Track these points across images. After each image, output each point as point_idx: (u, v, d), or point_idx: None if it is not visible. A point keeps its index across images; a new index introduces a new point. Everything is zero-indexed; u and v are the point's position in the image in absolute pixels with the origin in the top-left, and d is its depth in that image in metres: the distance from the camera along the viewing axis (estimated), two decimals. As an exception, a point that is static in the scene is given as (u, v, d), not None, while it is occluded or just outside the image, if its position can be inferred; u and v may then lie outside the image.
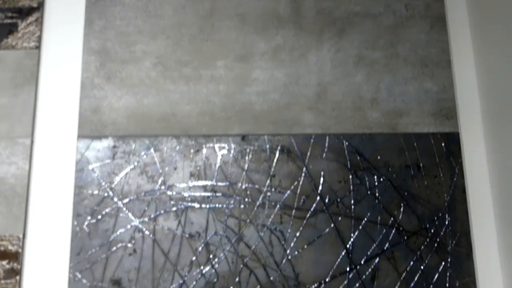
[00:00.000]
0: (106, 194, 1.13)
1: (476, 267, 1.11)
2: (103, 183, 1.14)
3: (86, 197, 1.13)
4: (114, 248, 1.11)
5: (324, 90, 1.19)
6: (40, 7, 1.21)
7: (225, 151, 1.16)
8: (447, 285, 1.11)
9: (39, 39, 1.20)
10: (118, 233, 1.12)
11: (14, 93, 1.16)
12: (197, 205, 1.13)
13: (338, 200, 1.14)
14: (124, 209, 1.13)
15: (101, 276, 1.10)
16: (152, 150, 1.15)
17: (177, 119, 1.17)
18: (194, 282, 1.10)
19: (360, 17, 1.24)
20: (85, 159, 1.15)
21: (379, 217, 1.13)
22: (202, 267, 1.11)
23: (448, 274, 1.12)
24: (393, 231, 1.13)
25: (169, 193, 1.14)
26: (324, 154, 1.16)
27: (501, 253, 1.10)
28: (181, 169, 1.14)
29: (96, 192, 1.13)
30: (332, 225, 1.13)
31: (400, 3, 1.25)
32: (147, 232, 1.12)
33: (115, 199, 1.13)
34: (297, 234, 1.13)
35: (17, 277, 1.08)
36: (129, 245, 1.12)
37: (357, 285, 1.11)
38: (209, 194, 1.14)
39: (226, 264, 1.11)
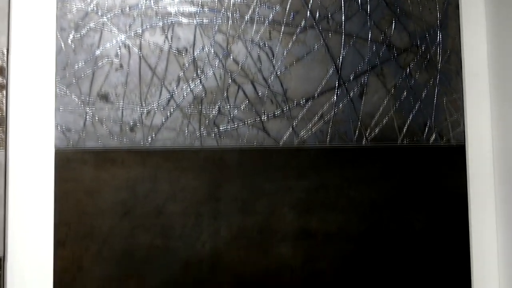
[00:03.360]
0: (90, 8, 1.10)
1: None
2: (86, -4, 1.10)
3: (69, 11, 1.09)
4: (100, 63, 1.10)
5: None
6: None
7: (212, -36, 1.11)
8: (435, 101, 1.12)
9: None
10: (103, 48, 1.10)
11: None
12: (184, 20, 1.10)
13: (329, 16, 1.11)
14: (109, 24, 1.10)
15: (88, 90, 1.09)
16: (136, -38, 1.10)
17: None
18: (182, 97, 1.10)
19: None
20: (66, -29, 1.10)
21: (370, 34, 1.11)
22: (190, 82, 1.10)
23: (436, 90, 1.12)
24: (384, 48, 1.11)
25: (155, 7, 1.10)
26: (315, -32, 1.11)
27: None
28: (167, -17, 1.10)
29: (79, 5, 1.10)
30: (322, 41, 1.11)
31: None
32: (133, 47, 1.10)
33: (100, 13, 1.10)
34: (286, 50, 1.11)
35: (4, 92, 1.07)
36: (116, 60, 1.10)
37: (345, 101, 1.11)
38: (196, 8, 1.10)
39: (214, 79, 1.10)
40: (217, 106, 1.10)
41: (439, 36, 1.11)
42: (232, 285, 1.08)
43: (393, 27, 1.11)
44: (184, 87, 1.10)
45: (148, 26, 1.10)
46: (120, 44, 1.09)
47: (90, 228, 1.08)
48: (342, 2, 1.11)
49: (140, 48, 1.10)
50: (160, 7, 1.10)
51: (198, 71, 1.10)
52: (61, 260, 1.07)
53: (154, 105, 1.09)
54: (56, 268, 1.06)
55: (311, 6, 1.11)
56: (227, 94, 1.10)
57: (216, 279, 1.08)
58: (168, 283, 1.07)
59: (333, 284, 1.09)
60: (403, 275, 1.10)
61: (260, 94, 1.10)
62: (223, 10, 1.10)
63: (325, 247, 1.09)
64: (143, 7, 1.10)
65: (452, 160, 1.11)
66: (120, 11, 1.10)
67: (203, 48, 1.10)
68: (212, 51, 1.10)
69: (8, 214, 1.07)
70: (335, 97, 1.11)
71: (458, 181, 1.11)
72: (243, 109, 1.10)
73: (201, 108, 1.10)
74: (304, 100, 1.10)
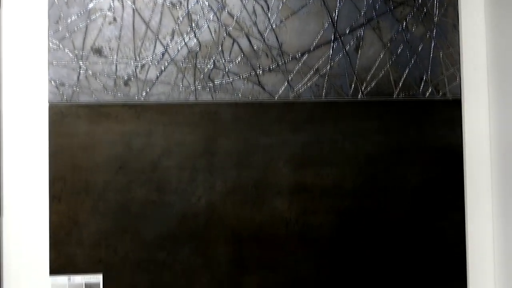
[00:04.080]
0: (82, -39, 1.08)
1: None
2: None
3: (61, -37, 1.08)
4: (94, 16, 1.08)
5: None
6: None
7: None
8: (431, 55, 1.11)
9: None
10: (96, 1, 1.08)
11: None
12: (177, -27, 1.09)
13: (325, -32, 1.10)
14: (102, -24, 1.08)
15: (81, 44, 1.08)
16: None
17: None
18: (176, 51, 1.09)
19: None
20: None
21: (366, -14, 1.10)
22: (184, 36, 1.09)
23: (432, 44, 1.11)
24: (380, 1, 1.10)
25: (148, -41, 1.09)
26: None
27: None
28: None
29: (71, -43, 1.08)
30: (318, -6, 1.09)
31: None
32: (126, 0, 1.08)
33: (92, -35, 1.08)
34: (281, 3, 1.10)
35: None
36: (109, 13, 1.08)
37: (341, 54, 1.10)
38: (190, -39, 1.09)
39: (209, 33, 1.09)
40: (212, 60, 1.09)
41: (436, -11, 1.10)
42: (227, 238, 1.08)
43: (389, -21, 1.10)
44: (179, 40, 1.09)
45: (141, -21, 1.08)
46: (113, -3, 1.08)
47: (85, 183, 1.07)
48: (338, -46, 1.10)
49: (133, 1, 1.08)
50: (153, -41, 1.08)
51: (193, 25, 1.09)
52: (56, 215, 1.07)
53: (148, 59, 1.08)
54: (51, 223, 1.07)
55: (306, -42, 1.09)
56: (222, 48, 1.09)
57: (212, 233, 1.08)
58: (164, 237, 1.08)
59: (328, 237, 1.09)
60: (397, 229, 1.10)
61: (255, 47, 1.09)
62: (218, -38, 1.09)
63: (320, 201, 1.09)
64: (136, -41, 1.08)
65: (448, 114, 1.11)
66: (113, -37, 1.08)
67: (197, 1, 1.09)
68: (207, 4, 1.09)
69: (3, 170, 1.06)
70: (331, 50, 1.10)
71: (454, 135, 1.11)
72: (238, 63, 1.09)
73: (195, 62, 1.09)
74: (299, 54, 1.09)
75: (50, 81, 1.07)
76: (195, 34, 1.09)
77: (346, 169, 1.10)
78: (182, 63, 1.09)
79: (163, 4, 1.09)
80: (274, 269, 1.08)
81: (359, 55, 1.10)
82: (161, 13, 1.09)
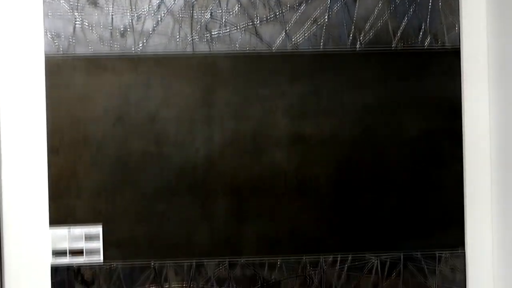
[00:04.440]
0: None
1: None
2: None
3: None
4: (88, -34, 1.07)
5: None
6: None
7: None
8: (430, 4, 1.10)
9: None
10: (91, -50, 1.07)
11: None
12: None
13: None
14: None
15: (77, -5, 1.07)
16: None
17: None
18: (173, 2, 1.08)
19: None
20: None
21: None
22: (180, -14, 1.08)
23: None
24: (379, -51, 1.09)
25: None
26: None
27: None
28: None
29: None
30: None
31: None
32: (121, -50, 1.07)
33: None
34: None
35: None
36: (104, -37, 1.07)
37: (339, 4, 1.09)
38: None
39: (205, -18, 1.08)
40: (208, 11, 1.08)
41: None
42: (225, 190, 1.09)
43: None
44: (175, -9, 1.07)
45: None
46: None
47: (83, 135, 1.07)
48: None
49: (128, -49, 1.07)
50: None
51: (189, -26, 1.07)
52: (55, 168, 1.07)
53: (145, 9, 1.07)
54: (50, 175, 1.07)
55: None
56: (219, -3, 1.08)
57: (210, 185, 1.09)
58: (162, 189, 1.08)
59: (326, 188, 1.10)
60: (395, 179, 1.10)
61: (252, -7, 1.08)
62: None
63: (319, 152, 1.09)
64: None
65: (446, 63, 1.10)
66: None
67: (193, -50, 1.07)
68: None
69: (0, 123, 1.06)
70: (329, 0, 1.09)
71: (452, 85, 1.10)
72: (236, 13, 1.08)
73: (192, 12, 1.08)
74: (297, 4, 1.08)
75: (45, 33, 1.06)
76: (191, -16, 1.07)
77: (344, 120, 1.10)
78: (179, 14, 1.08)
79: (158, -46, 1.07)
80: (273, 220, 1.09)
81: (357, 4, 1.09)
82: (157, -37, 1.07)
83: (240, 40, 1.08)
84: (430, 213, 1.11)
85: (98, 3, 1.07)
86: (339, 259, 1.10)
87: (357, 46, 1.09)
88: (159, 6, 1.07)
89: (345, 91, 1.09)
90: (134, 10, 1.07)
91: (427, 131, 1.10)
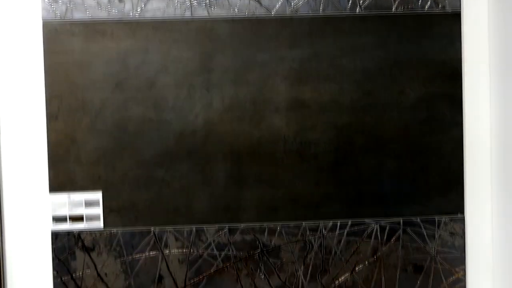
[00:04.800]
0: None
1: None
2: None
3: None
4: None
5: None
6: None
7: None
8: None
9: None
10: None
11: None
12: None
13: None
14: None
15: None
16: None
17: None
18: (171, -34, 1.07)
19: None
20: None
21: None
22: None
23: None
24: None
25: None
26: None
27: None
28: None
29: None
30: None
31: None
32: None
33: None
34: None
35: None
36: None
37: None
38: None
39: None
40: (207, -26, 1.07)
41: None
42: (225, 155, 1.09)
43: None
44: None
45: None
46: None
47: (82, 101, 1.07)
48: None
49: None
50: None
51: None
52: (54, 133, 1.07)
53: (142, -27, 1.06)
54: (50, 141, 1.07)
55: None
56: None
57: (210, 150, 1.08)
58: (161, 154, 1.08)
59: (326, 153, 1.09)
60: (395, 144, 1.10)
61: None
62: None
63: (318, 117, 1.09)
64: None
65: (447, 27, 1.09)
66: None
67: None
68: None
69: (-1, 89, 1.06)
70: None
71: (453, 49, 1.10)
72: (234, -23, 1.07)
73: (190, -24, 1.07)
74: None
75: (43, -2, 1.05)
76: None
77: (344, 85, 1.09)
78: (177, -22, 1.07)
79: None
80: (272, 185, 1.09)
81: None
82: None
83: (239, 5, 1.07)
84: (430, 179, 1.11)
85: (96, -33, 1.06)
86: (338, 224, 1.10)
87: (357, 10, 1.08)
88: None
89: (344, 55, 1.09)
90: (131, -26, 1.06)
91: (427, 95, 1.10)
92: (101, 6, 1.06)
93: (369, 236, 1.10)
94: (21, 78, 1.06)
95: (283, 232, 1.09)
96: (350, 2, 1.08)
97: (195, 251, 1.09)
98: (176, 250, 1.09)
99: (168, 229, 1.08)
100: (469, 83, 1.10)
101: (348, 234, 1.10)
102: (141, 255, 1.08)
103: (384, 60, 1.09)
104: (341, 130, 1.10)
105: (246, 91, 1.08)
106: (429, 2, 1.09)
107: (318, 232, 1.10)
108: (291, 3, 1.08)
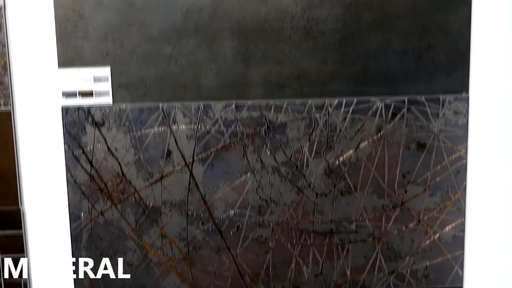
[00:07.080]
0: None
1: None
2: None
3: None
4: None
5: None
6: None
7: None
8: None
9: None
10: None
11: None
12: None
13: None
14: None
15: None
16: None
17: None
18: None
19: None
20: None
21: None
22: None
23: None
24: None
25: None
26: None
27: None
28: None
29: None
30: None
31: None
32: None
33: None
34: None
35: None
36: None
37: None
38: None
39: None
40: None
41: None
42: (233, 32, 1.09)
43: None
44: None
45: None
46: None
47: (88, -25, 1.06)
48: None
49: None
50: None
51: None
52: (61, 8, 1.07)
53: None
54: (57, 16, 1.07)
55: None
56: None
57: (217, 27, 1.08)
58: (169, 30, 1.08)
59: (333, 30, 1.09)
60: (402, 22, 1.10)
61: None
62: None
63: (326, -8, 1.08)
64: None
65: None
66: None
67: None
68: None
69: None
70: None
71: None
72: None
73: None
74: None
75: None
76: None
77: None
78: None
79: None
80: (279, 62, 1.10)
81: None
82: None
83: None
84: (436, 57, 1.11)
85: None
86: (344, 102, 1.11)
87: None
88: None
89: None
90: None
91: None
92: None
93: (374, 114, 1.12)
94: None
95: (289, 109, 1.11)
96: None
97: (202, 127, 1.11)
98: (184, 126, 1.11)
99: (176, 105, 1.10)
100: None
101: (353, 112, 1.12)
102: (150, 130, 1.11)
103: None
104: (348, 7, 1.09)
105: (253, -34, 1.07)
106: None
107: (324, 109, 1.11)
108: None
